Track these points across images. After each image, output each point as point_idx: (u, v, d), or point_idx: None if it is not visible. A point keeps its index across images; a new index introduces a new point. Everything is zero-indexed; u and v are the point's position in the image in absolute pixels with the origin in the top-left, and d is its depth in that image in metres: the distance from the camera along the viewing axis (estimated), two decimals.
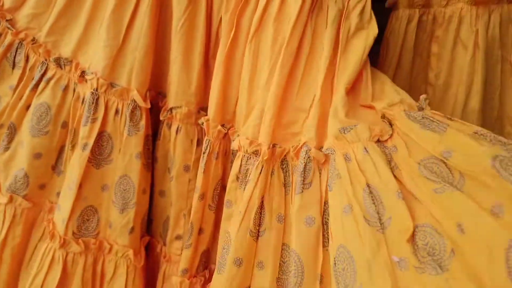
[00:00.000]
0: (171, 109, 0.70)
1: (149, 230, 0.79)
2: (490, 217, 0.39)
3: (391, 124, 0.54)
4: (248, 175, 0.62)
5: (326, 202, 0.56)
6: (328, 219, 0.54)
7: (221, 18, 0.68)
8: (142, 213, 0.73)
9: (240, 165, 0.64)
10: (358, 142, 0.53)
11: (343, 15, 0.60)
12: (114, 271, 0.71)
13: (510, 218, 0.38)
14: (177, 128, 0.70)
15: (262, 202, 0.60)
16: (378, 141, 0.53)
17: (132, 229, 0.71)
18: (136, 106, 0.69)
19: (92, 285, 0.71)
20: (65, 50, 0.73)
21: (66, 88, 0.73)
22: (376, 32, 0.58)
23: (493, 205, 0.40)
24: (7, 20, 0.73)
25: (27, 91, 0.74)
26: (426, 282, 0.40)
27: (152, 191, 0.76)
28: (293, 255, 0.56)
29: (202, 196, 0.67)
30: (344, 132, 0.54)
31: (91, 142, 0.69)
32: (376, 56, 0.70)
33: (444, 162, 0.46)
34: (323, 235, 0.55)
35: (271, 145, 0.61)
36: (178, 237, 0.73)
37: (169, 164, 0.72)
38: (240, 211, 0.60)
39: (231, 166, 0.66)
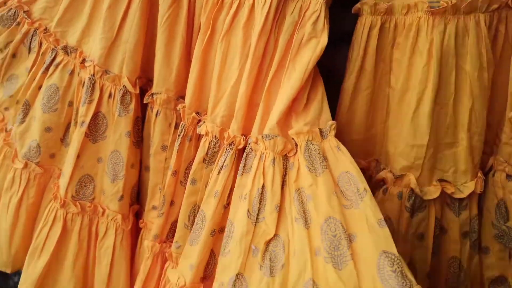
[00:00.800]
0: (152, 94, 0.79)
1: (139, 200, 0.90)
2: None
3: (296, 144, 0.65)
4: (216, 157, 0.72)
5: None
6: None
7: None
8: (131, 184, 0.85)
9: (208, 148, 0.73)
10: (271, 152, 0.64)
11: (298, 23, 0.67)
12: (105, 231, 0.83)
13: None
14: (157, 111, 0.79)
15: (263, 189, 0.65)
16: (285, 155, 0.65)
17: (122, 197, 0.82)
18: (126, 91, 0.80)
19: (88, 241, 0.84)
20: (71, 39, 0.84)
21: (71, 73, 0.84)
22: (325, 42, 0.64)
23: None
24: (24, 11, 0.84)
25: (39, 73, 0.85)
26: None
27: (141, 166, 0.87)
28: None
29: (175, 173, 0.77)
30: (265, 139, 0.65)
31: (87, 120, 0.80)
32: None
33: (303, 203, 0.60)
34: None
35: (243, 136, 0.70)
36: (154, 208, 0.84)
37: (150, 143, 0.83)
38: (244, 197, 0.66)
39: None
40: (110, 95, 0.80)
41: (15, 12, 0.84)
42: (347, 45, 0.74)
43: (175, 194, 0.77)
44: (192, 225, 0.74)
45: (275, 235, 0.61)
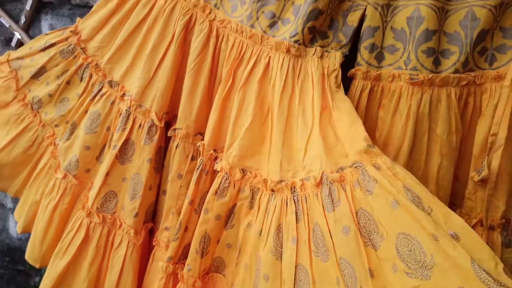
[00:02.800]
0: (175, 129, 0.92)
1: (154, 219, 1.02)
2: None
3: None
4: (226, 192, 0.82)
5: (357, 212, 0.69)
6: (364, 223, 0.68)
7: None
8: (147, 204, 0.96)
9: (220, 183, 0.83)
10: (383, 155, 0.70)
11: (325, 77, 0.81)
12: (119, 243, 0.95)
13: None
14: (177, 144, 0.91)
15: (280, 227, 0.77)
16: None
17: (137, 214, 0.94)
18: (153, 123, 0.93)
19: (104, 249, 0.96)
20: (116, 75, 0.99)
21: (112, 103, 0.99)
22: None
23: None
24: (81, 48, 1.01)
25: (87, 100, 1.01)
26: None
27: (159, 189, 0.99)
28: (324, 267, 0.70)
29: (191, 202, 0.87)
30: (372, 147, 0.71)
31: (119, 144, 0.94)
32: None
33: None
34: (363, 236, 0.68)
35: (278, 181, 0.79)
36: (167, 229, 0.95)
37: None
38: (264, 233, 0.78)
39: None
40: (140, 126, 0.93)
41: (73, 47, 1.01)
42: None
43: (189, 220, 0.87)
44: (203, 251, 0.85)
45: None
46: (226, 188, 0.83)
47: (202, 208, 0.87)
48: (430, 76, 0.77)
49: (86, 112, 1.01)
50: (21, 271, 1.61)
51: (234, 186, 0.83)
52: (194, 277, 0.86)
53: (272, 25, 0.86)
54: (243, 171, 0.83)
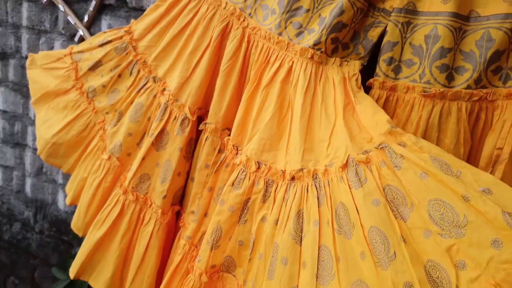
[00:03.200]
0: (205, 123, 1.02)
1: (182, 203, 1.12)
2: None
3: None
4: (242, 184, 0.89)
5: (384, 188, 0.74)
6: (391, 198, 0.73)
7: None
8: (176, 188, 1.07)
9: (237, 175, 0.91)
10: (407, 133, 0.76)
11: (346, 80, 0.88)
12: (148, 220, 1.07)
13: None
14: (206, 137, 1.01)
15: (300, 212, 0.81)
16: None
17: (165, 196, 1.05)
18: (186, 117, 1.03)
19: (135, 224, 1.08)
20: (160, 72, 1.11)
21: (155, 96, 1.11)
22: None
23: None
24: (133, 46, 1.14)
25: (134, 92, 1.14)
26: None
27: (188, 176, 1.10)
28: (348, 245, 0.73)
29: (210, 189, 0.97)
30: (395, 128, 0.77)
31: (156, 133, 1.05)
32: None
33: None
34: (392, 209, 0.71)
35: (299, 169, 0.84)
36: (192, 212, 1.05)
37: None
38: (282, 220, 0.82)
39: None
40: (174, 118, 1.05)
41: (126, 45, 1.15)
42: None
43: (208, 207, 0.96)
44: (213, 243, 0.90)
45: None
46: (242, 180, 0.89)
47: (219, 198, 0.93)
48: (442, 90, 0.81)
49: (131, 103, 1.14)
50: (65, 241, 1.79)
51: (249, 178, 0.89)
52: (201, 269, 0.91)
53: (298, 34, 0.94)
54: (259, 164, 0.89)
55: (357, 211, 0.74)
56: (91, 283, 1.10)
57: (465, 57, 0.82)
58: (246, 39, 0.98)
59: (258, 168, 0.88)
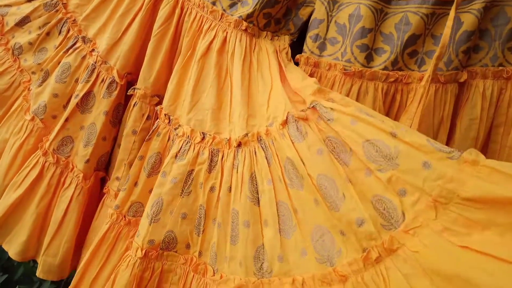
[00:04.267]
0: (134, 88, 1.00)
1: (108, 170, 1.10)
2: None
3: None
4: (186, 154, 0.87)
5: (324, 140, 0.75)
6: (332, 148, 0.74)
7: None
8: (100, 153, 1.05)
9: (180, 147, 0.89)
10: (333, 91, 0.79)
11: (277, 52, 0.90)
12: (69, 184, 1.04)
13: None
14: (135, 103, 0.99)
15: (253, 175, 0.81)
16: None
17: (88, 160, 1.03)
18: (114, 80, 1.01)
19: (55, 188, 1.05)
20: (90, 33, 1.07)
21: (83, 57, 1.07)
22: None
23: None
24: (63, 3, 1.09)
25: (61, 52, 1.09)
26: None
27: (114, 143, 1.07)
28: (311, 186, 0.74)
29: (141, 158, 0.95)
30: (323, 87, 0.79)
31: (81, 94, 1.02)
32: None
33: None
34: (336, 158, 0.73)
35: (244, 134, 0.84)
36: (117, 178, 1.03)
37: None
38: (237, 186, 0.82)
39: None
40: (102, 80, 1.02)
41: (56, 2, 1.10)
42: None
43: (139, 176, 0.94)
44: (153, 216, 0.87)
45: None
46: (186, 151, 0.87)
47: (149, 168, 0.93)
48: (360, 69, 0.85)
49: (59, 62, 1.09)
50: None
51: (194, 149, 0.87)
52: (138, 244, 0.87)
53: (232, 5, 0.94)
54: (203, 134, 0.88)
55: (303, 162, 0.76)
56: (4, 246, 1.06)
57: (384, 39, 0.86)
58: (179, 5, 0.97)
59: (203, 138, 0.88)
